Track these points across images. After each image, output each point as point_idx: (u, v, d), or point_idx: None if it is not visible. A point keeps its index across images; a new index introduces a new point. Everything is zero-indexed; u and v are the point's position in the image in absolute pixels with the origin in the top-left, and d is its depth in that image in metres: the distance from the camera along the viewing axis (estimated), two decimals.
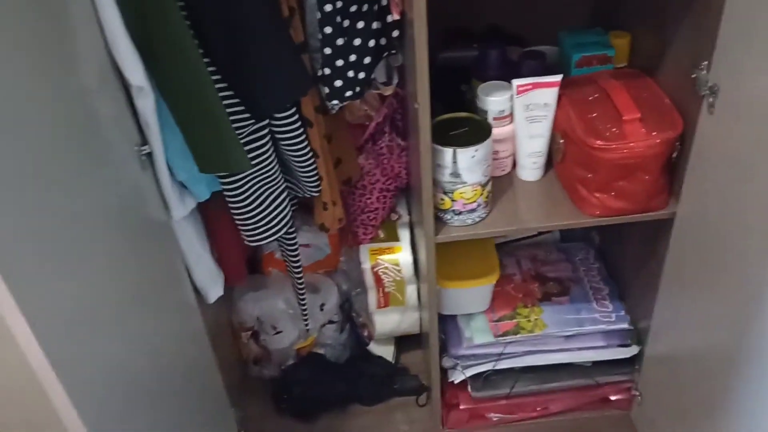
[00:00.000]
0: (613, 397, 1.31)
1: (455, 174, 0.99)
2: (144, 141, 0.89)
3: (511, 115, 1.07)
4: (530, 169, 1.11)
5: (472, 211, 1.03)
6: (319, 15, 0.91)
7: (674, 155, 0.99)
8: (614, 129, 0.98)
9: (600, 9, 1.26)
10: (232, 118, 0.89)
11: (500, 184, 1.11)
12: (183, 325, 1.04)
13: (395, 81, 1.11)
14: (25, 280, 0.57)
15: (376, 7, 0.96)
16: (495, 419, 1.32)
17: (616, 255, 1.36)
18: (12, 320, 0.54)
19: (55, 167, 0.67)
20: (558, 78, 1.03)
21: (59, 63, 0.71)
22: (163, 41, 0.81)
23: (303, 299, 1.26)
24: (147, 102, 0.84)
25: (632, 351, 1.24)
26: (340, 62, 0.95)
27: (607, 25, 1.16)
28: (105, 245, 0.77)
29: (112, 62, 0.82)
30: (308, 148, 1.01)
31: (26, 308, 0.55)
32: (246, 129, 0.94)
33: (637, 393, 1.26)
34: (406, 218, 1.33)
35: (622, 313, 1.26)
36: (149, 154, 0.90)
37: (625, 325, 1.25)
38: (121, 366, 0.77)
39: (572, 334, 1.25)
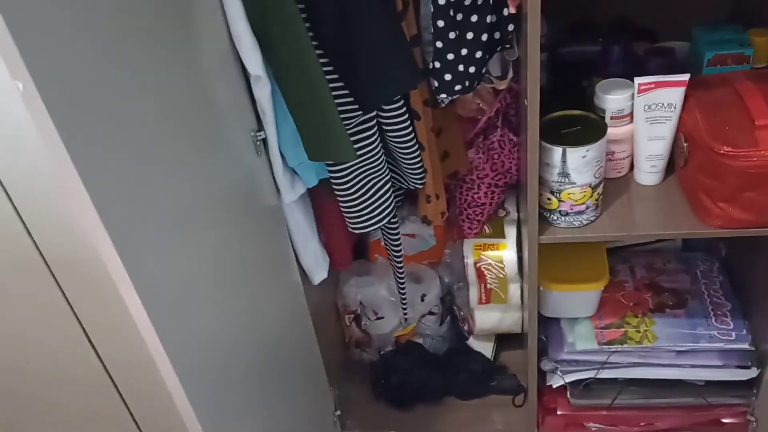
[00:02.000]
0: (726, 420, 1.22)
1: (564, 174, 0.96)
2: (260, 127, 0.94)
3: (631, 114, 1.02)
4: (648, 173, 1.05)
5: (580, 213, 0.99)
6: (432, 8, 0.91)
7: None
8: (745, 135, 0.90)
9: (740, 3, 1.16)
10: (341, 108, 0.91)
11: (615, 187, 1.06)
12: (288, 304, 1.08)
13: (510, 75, 1.08)
14: (140, 254, 0.62)
15: (491, 0, 0.94)
16: (594, 429, 1.27)
17: (744, 269, 1.26)
18: (125, 293, 0.59)
19: (177, 148, 0.72)
20: (685, 77, 0.96)
21: (187, 52, 0.76)
22: (280, 33, 0.84)
23: (403, 288, 1.28)
24: (264, 91, 0.89)
25: (751, 374, 1.15)
26: (450, 56, 0.95)
27: (747, 22, 1.07)
28: (219, 225, 0.82)
29: (234, 52, 0.87)
30: (415, 141, 1.02)
31: (138, 281, 0.60)
32: (354, 120, 0.97)
33: (753, 419, 1.17)
34: (514, 215, 1.30)
35: (744, 332, 1.17)
36: (264, 141, 0.94)
37: (746, 345, 1.15)
38: (226, 340, 0.82)
39: (685, 349, 1.17)
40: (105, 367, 1.25)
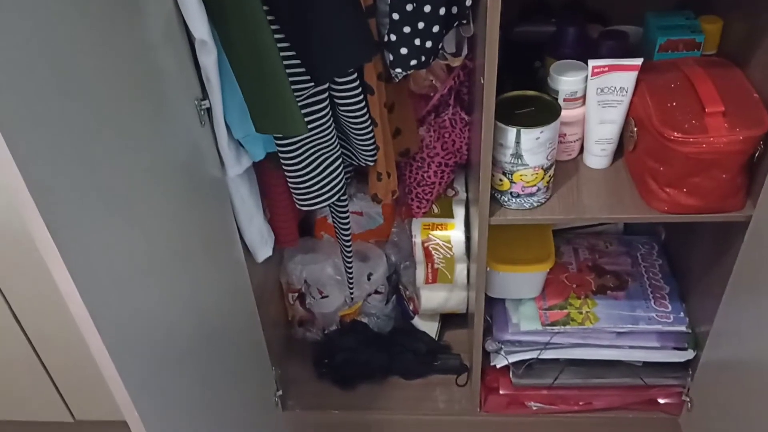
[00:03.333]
0: (661, 400, 1.26)
1: (517, 155, 0.95)
2: (204, 96, 0.88)
3: (584, 97, 1.02)
4: (598, 157, 1.06)
5: (531, 195, 0.99)
6: None
7: (756, 154, 0.92)
8: (694, 121, 0.92)
9: None
10: (292, 79, 0.87)
11: (564, 169, 1.06)
12: (230, 281, 1.04)
13: (464, 52, 1.06)
14: (73, 227, 0.58)
15: None
16: (535, 408, 1.29)
17: (682, 253, 1.29)
18: (54, 267, 0.55)
19: (115, 116, 0.67)
20: (638, 61, 0.97)
21: (127, 14, 0.71)
22: None
23: (350, 267, 1.25)
24: (209, 57, 0.84)
25: (687, 355, 1.19)
26: (407, 29, 0.92)
27: (698, 9, 1.08)
28: (159, 197, 0.78)
29: (178, 15, 0.81)
30: (367, 116, 0.99)
31: (69, 256, 0.56)
32: (305, 92, 0.93)
33: (688, 399, 1.21)
34: (462, 195, 1.29)
35: (681, 314, 1.20)
36: (208, 110, 0.89)
37: (683, 328, 1.19)
38: (164, 319, 0.78)
39: (625, 331, 1.20)
40: (33, 348, 1.19)
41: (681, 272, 1.28)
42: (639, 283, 1.26)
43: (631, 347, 1.21)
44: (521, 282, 1.23)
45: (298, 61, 0.90)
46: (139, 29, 0.73)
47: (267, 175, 1.08)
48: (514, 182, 0.98)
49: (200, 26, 0.82)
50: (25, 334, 1.16)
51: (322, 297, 1.37)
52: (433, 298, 1.34)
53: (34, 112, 0.53)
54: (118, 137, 0.68)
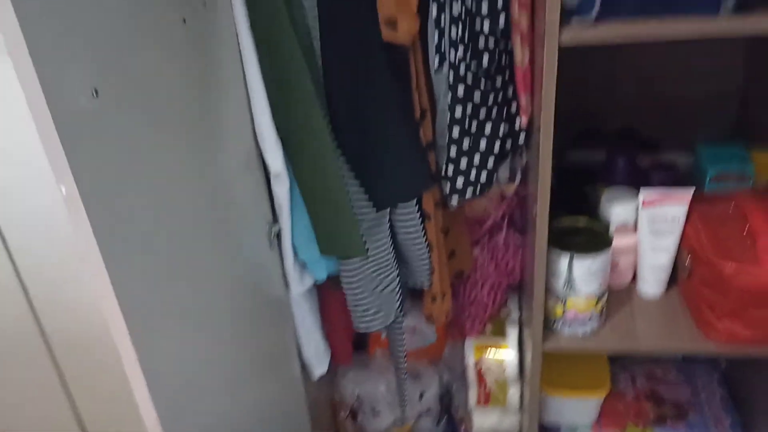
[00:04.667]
0: None
1: (569, 282, 0.97)
2: (275, 220, 0.95)
3: (636, 225, 1.04)
4: (652, 284, 1.07)
5: (584, 323, 1.00)
6: (449, 118, 0.95)
7: None
8: (748, 252, 0.92)
9: (743, 121, 1.21)
10: (356, 205, 0.94)
11: (618, 297, 1.07)
12: (286, 396, 1.07)
13: (518, 180, 1.11)
14: (150, 338, 0.63)
15: (504, 113, 0.98)
16: None
17: (744, 382, 1.25)
18: (132, 376, 0.59)
19: (197, 240, 0.74)
20: (689, 193, 0.99)
21: (214, 148, 0.79)
22: (304, 133, 0.88)
23: (403, 385, 1.26)
24: (283, 188, 0.91)
25: None
26: (464, 164, 0.98)
27: (751, 138, 1.11)
28: (227, 312, 0.83)
29: (257, 149, 0.90)
30: (425, 241, 1.04)
31: (146, 365, 0.60)
32: (367, 216, 0.99)
33: None
34: (515, 315, 1.30)
35: None
36: (278, 234, 0.96)
37: None
38: (226, 427, 0.81)
39: None
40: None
41: (743, 402, 1.23)
42: (699, 413, 1.22)
43: None
44: (575, 408, 1.21)
45: (362, 188, 0.97)
46: (222, 160, 0.82)
47: (327, 295, 1.13)
48: (567, 309, 0.99)
49: (275, 159, 0.90)
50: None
51: (374, 415, 1.36)
52: (485, 420, 1.32)
53: (130, 239, 0.60)
54: (196, 257, 0.74)
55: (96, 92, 0.53)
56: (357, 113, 0.90)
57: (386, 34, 0.86)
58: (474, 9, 0.89)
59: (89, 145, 0.53)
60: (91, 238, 0.53)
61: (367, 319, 1.06)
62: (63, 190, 0.48)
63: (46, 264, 0.63)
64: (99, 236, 0.54)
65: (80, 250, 0.54)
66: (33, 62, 0.45)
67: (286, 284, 1.01)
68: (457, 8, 0.88)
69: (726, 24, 0.76)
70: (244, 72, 0.85)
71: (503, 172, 1.11)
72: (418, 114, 0.96)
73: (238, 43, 0.83)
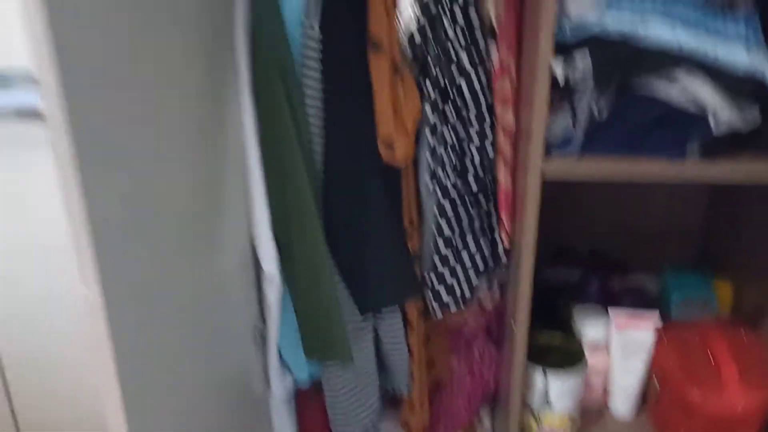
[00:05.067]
0: None
1: (545, 398, 1.00)
2: (263, 322, 0.98)
3: (607, 346, 1.09)
4: (624, 404, 1.10)
5: None
6: (435, 232, 1.01)
7: None
8: (714, 380, 0.97)
9: (708, 250, 1.28)
10: (344, 311, 0.97)
11: (591, 416, 1.09)
12: None
13: (496, 293, 1.16)
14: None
15: (488, 230, 1.04)
16: None
17: None
18: None
19: (180, 337, 0.75)
20: (655, 315, 1.04)
21: (213, 245, 0.82)
22: (299, 242, 0.92)
23: None
24: (274, 291, 0.94)
25: None
26: (448, 276, 1.03)
27: (714, 266, 1.18)
28: (207, 410, 0.83)
29: (252, 252, 0.93)
30: (406, 347, 1.07)
31: None
32: (353, 324, 1.02)
33: None
34: (488, 424, 1.31)
35: None
36: (263, 334, 0.98)
37: None
38: None
39: None
40: None
41: None
42: None
43: None
44: None
45: (349, 293, 1.00)
46: (218, 263, 0.85)
47: (306, 404, 1.13)
48: (543, 425, 1.01)
49: (270, 262, 0.93)
50: None
51: None
52: None
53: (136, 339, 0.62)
54: (180, 355, 0.75)
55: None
56: (351, 223, 0.95)
57: (384, 154, 0.93)
58: (465, 137, 0.97)
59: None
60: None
61: (346, 424, 1.06)
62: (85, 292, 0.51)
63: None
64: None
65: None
66: None
67: (268, 384, 1.02)
68: (449, 137, 0.96)
69: (694, 170, 0.84)
70: (246, 180, 0.90)
71: (483, 283, 1.16)
72: (407, 224, 1.01)
73: (245, 154, 0.89)
